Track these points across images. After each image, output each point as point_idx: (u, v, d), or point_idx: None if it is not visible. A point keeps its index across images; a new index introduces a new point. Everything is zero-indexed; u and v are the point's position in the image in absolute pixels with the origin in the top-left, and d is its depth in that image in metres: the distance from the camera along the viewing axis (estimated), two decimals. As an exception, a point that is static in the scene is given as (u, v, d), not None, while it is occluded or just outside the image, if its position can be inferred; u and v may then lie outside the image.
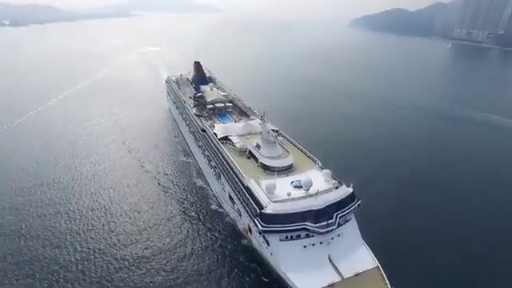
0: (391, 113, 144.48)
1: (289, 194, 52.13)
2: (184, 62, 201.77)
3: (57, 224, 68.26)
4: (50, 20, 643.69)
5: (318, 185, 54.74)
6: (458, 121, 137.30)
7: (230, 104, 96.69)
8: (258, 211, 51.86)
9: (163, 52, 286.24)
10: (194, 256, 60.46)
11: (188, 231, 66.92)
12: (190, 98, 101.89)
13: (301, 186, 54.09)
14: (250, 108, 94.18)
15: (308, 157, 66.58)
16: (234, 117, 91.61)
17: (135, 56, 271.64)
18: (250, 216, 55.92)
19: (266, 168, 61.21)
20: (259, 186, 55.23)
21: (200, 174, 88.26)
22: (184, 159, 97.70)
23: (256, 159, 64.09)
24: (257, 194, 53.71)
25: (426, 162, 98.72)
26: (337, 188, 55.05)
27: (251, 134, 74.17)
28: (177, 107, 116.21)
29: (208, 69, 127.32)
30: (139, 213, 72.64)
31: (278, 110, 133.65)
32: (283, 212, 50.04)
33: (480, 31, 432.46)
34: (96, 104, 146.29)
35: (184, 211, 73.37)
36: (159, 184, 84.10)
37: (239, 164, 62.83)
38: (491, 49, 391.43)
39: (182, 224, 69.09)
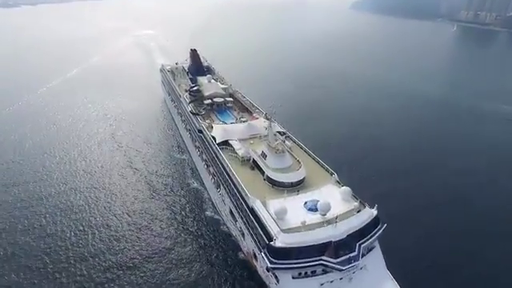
0: (402, 106, 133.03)
1: (303, 223, 43.18)
2: (180, 46, 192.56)
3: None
4: (42, 1, 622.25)
5: (337, 207, 45.84)
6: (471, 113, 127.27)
7: (231, 99, 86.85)
8: (266, 242, 43.05)
9: (159, 35, 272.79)
10: (183, 269, 53.34)
11: (178, 241, 59.54)
12: (186, 91, 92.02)
13: (316, 209, 45.20)
14: (252, 103, 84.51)
15: (321, 166, 57.51)
16: (235, 113, 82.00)
17: (129, 40, 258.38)
18: (255, 243, 47.29)
19: (273, 183, 52.10)
20: (266, 209, 46.32)
21: (195, 173, 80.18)
22: (178, 156, 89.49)
23: (261, 171, 54.94)
24: (264, 220, 44.79)
25: (456, 171, 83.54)
26: (359, 211, 46.15)
27: (255, 137, 64.85)
28: (172, 100, 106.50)
29: (205, 57, 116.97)
30: (122, 220, 64.94)
31: (280, 101, 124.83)
32: (296, 245, 41.25)
33: (488, 13, 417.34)
34: (86, 94, 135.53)
35: (175, 218, 65.51)
36: (149, 185, 75.80)
37: (242, 177, 53.76)
38: (499, 32, 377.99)
39: (172, 233, 61.62)
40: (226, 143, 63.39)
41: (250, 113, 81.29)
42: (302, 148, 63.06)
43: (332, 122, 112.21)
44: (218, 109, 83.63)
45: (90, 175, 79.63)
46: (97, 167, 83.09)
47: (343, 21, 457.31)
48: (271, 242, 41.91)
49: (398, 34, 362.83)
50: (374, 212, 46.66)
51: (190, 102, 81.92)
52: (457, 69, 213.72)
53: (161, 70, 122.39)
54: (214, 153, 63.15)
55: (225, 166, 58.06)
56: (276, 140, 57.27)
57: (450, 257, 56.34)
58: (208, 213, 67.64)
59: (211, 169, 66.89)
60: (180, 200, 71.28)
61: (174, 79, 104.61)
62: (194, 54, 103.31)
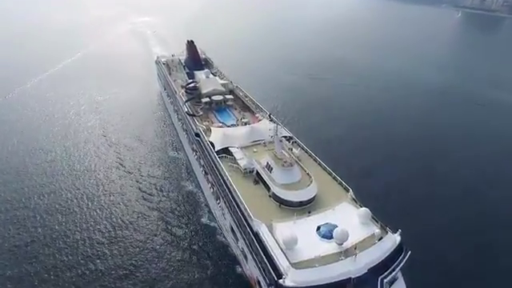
0: (415, 101, 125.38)
1: (317, 255, 36.94)
2: (178, 35, 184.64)
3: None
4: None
5: (355, 232, 39.64)
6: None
7: (231, 96, 79.89)
8: (275, 278, 36.87)
9: (156, 23, 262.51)
10: (174, 281, 49.24)
11: (169, 250, 54.97)
12: (182, 87, 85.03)
13: (331, 236, 38.96)
14: (254, 101, 77.60)
15: (334, 179, 51.12)
16: (236, 113, 75.26)
17: (124, 28, 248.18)
18: (260, 273, 41.31)
19: (280, 202, 45.75)
20: (273, 235, 40.10)
21: (190, 174, 74.71)
22: (173, 154, 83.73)
23: (266, 185, 48.52)
24: (271, 250, 38.56)
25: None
26: (380, 238, 39.93)
27: (258, 143, 58.28)
28: (168, 95, 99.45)
29: (203, 49, 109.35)
30: (108, 225, 60.33)
31: (284, 95, 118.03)
32: (310, 284, 35.11)
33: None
34: (79, 86, 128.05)
35: (167, 224, 60.54)
36: (139, 187, 70.44)
37: (244, 193, 47.40)
38: (506, 18, 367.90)
39: (163, 241, 56.95)
40: (225, 151, 56.86)
41: (252, 112, 74.70)
42: (311, 156, 56.52)
43: (340, 120, 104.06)
44: (217, 108, 76.88)
45: (74, 176, 73.71)
46: (83, 167, 77.26)
47: (344, 7, 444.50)
48: (280, 280, 35.75)
49: (401, 21, 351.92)
50: (398, 238, 40.54)
51: (186, 101, 74.94)
52: (465, 57, 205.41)
53: (156, 63, 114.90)
54: (213, 161, 56.68)
55: (225, 178, 51.65)
56: (283, 148, 50.74)
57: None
58: (204, 220, 62.47)
59: (210, 177, 60.61)
60: (173, 204, 65.98)
61: (170, 73, 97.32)
62: (190, 46, 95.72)
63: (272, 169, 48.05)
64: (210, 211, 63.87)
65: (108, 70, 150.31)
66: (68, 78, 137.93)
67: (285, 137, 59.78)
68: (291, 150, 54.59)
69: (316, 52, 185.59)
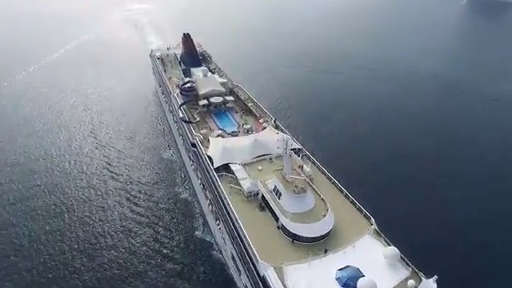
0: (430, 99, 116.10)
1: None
2: (177, 24, 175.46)
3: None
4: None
5: (382, 279, 32.84)
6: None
7: (231, 97, 72.27)
8: None
9: (154, 10, 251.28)
10: None
11: (158, 267, 50.82)
12: (178, 86, 77.42)
13: (354, 286, 32.16)
14: (256, 103, 70.04)
15: (352, 203, 44.09)
16: (237, 117, 67.85)
17: (120, 16, 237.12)
18: None
19: (291, 237, 38.83)
20: (283, 282, 33.32)
21: (185, 179, 69.75)
22: (167, 156, 78.44)
23: (274, 214, 41.50)
24: None
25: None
26: (415, 288, 33.13)
27: (263, 159, 51.11)
28: (162, 92, 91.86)
29: (200, 43, 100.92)
30: (92, 236, 56.13)
31: (289, 94, 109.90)
32: None
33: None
34: (70, 79, 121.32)
35: (158, 237, 56.14)
36: (129, 195, 65.42)
37: (248, 222, 40.57)
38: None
39: (152, 255, 52.85)
40: (226, 167, 49.68)
41: (255, 116, 67.37)
42: (323, 173, 49.40)
43: (352, 123, 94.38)
44: (216, 111, 69.39)
45: (54, 181, 68.65)
46: (65, 170, 72.34)
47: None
48: None
49: (403, 7, 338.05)
50: (434, 287, 33.72)
51: (181, 105, 67.21)
52: (470, 44, 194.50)
53: (150, 56, 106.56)
54: (211, 179, 49.64)
55: (225, 202, 44.70)
56: (293, 169, 43.53)
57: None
58: (198, 233, 57.56)
59: (208, 193, 53.74)
60: (164, 213, 61.26)
61: (165, 70, 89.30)
62: (187, 40, 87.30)
63: (281, 194, 41.00)
64: (205, 223, 58.42)
65: (102, 59, 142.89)
66: (61, 69, 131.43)
67: (293, 149, 52.40)
68: (301, 167, 47.20)
69: (318, 43, 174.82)
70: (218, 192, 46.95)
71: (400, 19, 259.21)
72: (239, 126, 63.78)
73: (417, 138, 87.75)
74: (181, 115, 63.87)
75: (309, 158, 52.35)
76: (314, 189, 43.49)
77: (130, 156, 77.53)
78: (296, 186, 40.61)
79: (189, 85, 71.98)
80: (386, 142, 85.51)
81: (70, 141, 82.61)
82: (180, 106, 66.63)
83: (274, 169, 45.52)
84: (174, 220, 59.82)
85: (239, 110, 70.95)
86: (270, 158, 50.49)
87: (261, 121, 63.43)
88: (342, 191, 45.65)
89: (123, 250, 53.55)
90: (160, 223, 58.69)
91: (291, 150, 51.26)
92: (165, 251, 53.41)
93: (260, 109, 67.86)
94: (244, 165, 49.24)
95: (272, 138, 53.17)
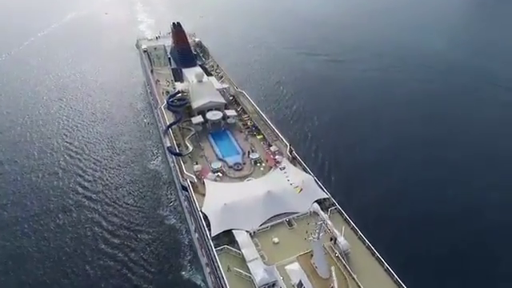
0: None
1: None
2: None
3: None
4: None
5: None
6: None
7: (233, 112, 57.43)
8: None
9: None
10: None
11: None
12: (166, 93, 62.78)
13: None
14: (265, 120, 55.18)
15: None
16: (241, 139, 53.59)
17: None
18: None
19: None
20: None
21: (174, 202, 56.94)
22: (153, 166, 65.22)
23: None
24: None
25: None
26: None
27: (280, 221, 37.06)
28: (150, 92, 77.03)
29: (196, 33, 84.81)
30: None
31: (302, 97, 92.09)
32: None
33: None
34: (47, 66, 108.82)
35: (132, 277, 44.69)
36: (103, 219, 53.60)
37: None
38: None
39: None
40: (227, 234, 35.74)
41: (263, 137, 52.98)
42: (361, 239, 35.52)
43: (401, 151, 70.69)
44: (215, 130, 54.79)
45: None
46: (30, 183, 60.61)
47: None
48: None
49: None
50: None
51: (168, 127, 51.99)
52: (479, 29, 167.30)
53: (137, 47, 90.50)
54: (208, 250, 35.85)
55: None
56: (325, 252, 29.69)
57: None
58: (185, 273, 45.91)
59: (206, 259, 40.19)
60: (144, 244, 49.67)
61: (152, 70, 73.40)
62: (178, 32, 71.06)
63: (311, 300, 27.33)
64: (195, 259, 46.71)
65: (88, 46, 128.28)
66: (40, 56, 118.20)
67: (319, 202, 38.44)
68: (335, 241, 33.27)
69: (326, 30, 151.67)
70: (218, 275, 33.25)
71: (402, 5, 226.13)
72: (244, 154, 49.41)
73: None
74: (168, 144, 48.96)
75: (340, 214, 38.34)
76: (353, 280, 29.79)
77: (108, 167, 64.64)
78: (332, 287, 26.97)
79: (179, 96, 56.91)
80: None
81: (39, 149, 69.25)
82: (167, 129, 51.56)
83: (295, 240, 32.48)
84: (156, 254, 48.08)
85: (243, 127, 56.34)
86: (289, 222, 36.49)
87: (272, 149, 48.92)
88: (391, 275, 31.88)
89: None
90: (139, 253, 47.65)
91: (316, 201, 37.77)
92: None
93: (270, 128, 53.14)
94: (253, 234, 35.25)
95: (289, 186, 38.99)
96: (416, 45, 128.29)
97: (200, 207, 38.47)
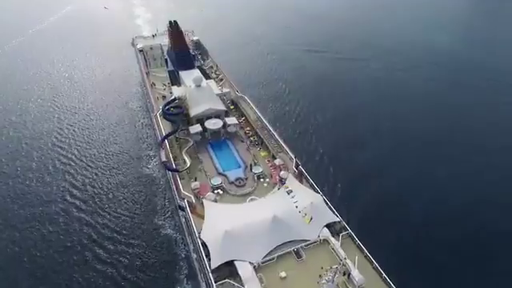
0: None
1: None
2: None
3: None
4: None
5: None
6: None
7: (234, 121, 53.58)
8: None
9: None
10: None
11: None
12: (162, 97, 59.13)
13: None
14: (269, 129, 51.26)
15: None
16: (242, 150, 50.03)
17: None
18: None
19: None
20: None
21: (170, 210, 52.78)
22: (149, 171, 61.10)
23: None
24: None
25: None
26: None
27: (288, 251, 33.42)
28: (146, 94, 73.12)
29: (193, 33, 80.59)
30: None
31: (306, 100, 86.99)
32: None
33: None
34: (41, 63, 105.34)
35: None
36: (93, 231, 49.70)
37: None
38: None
39: None
40: (229, 264, 32.26)
41: (266, 148, 49.33)
42: (377, 270, 32.05)
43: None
44: (215, 141, 51.13)
45: None
46: (18, 193, 56.65)
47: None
48: None
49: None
50: None
51: (164, 138, 48.25)
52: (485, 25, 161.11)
53: (133, 45, 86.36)
54: (209, 284, 32.37)
55: None
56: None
57: None
58: None
59: (204, 284, 36.77)
60: (134, 256, 45.95)
61: (148, 71, 69.32)
62: (175, 31, 66.86)
63: None
64: (191, 272, 42.95)
65: (86, 41, 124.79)
66: (35, 51, 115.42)
67: (329, 226, 35.02)
68: (348, 275, 29.84)
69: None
70: None
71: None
72: (246, 167, 45.81)
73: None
74: (163, 158, 45.16)
75: (353, 240, 34.82)
76: None
77: (101, 172, 60.99)
78: None
79: (175, 103, 53.14)
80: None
81: (27, 152, 65.85)
82: (162, 141, 47.76)
83: (304, 275, 29.89)
84: (150, 266, 44.66)
85: (244, 136, 52.67)
86: (297, 252, 32.93)
87: (277, 162, 45.27)
88: None
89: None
90: (131, 269, 43.97)
91: (325, 227, 34.43)
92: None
93: (274, 138, 49.42)
94: (258, 266, 31.74)
95: (297, 210, 35.45)
96: (428, 43, 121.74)
97: (198, 232, 34.99)
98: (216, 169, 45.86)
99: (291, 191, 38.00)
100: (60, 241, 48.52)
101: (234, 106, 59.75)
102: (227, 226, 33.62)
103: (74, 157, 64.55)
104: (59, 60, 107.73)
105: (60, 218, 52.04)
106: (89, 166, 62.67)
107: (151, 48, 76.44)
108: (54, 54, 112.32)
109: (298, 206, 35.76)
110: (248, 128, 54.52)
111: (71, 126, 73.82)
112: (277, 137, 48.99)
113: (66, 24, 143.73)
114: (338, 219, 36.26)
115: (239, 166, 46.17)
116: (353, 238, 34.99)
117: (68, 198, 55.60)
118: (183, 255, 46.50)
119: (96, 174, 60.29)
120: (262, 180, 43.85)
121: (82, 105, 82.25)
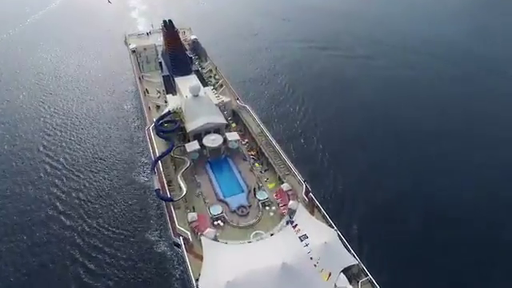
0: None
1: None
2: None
3: None
4: None
5: None
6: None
7: (235, 136, 48.61)
8: None
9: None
10: None
11: None
12: (157, 107, 54.07)
13: None
14: (275, 147, 46.22)
15: None
16: (245, 170, 45.04)
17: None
18: None
19: None
20: None
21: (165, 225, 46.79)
22: (143, 180, 55.53)
23: None
24: None
25: None
26: None
27: None
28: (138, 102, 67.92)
29: (190, 31, 74.81)
30: None
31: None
32: None
33: None
34: (33, 59, 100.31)
35: None
36: (84, 243, 45.47)
37: None
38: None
39: None
40: None
41: (272, 168, 44.56)
42: None
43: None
44: (214, 159, 46.29)
45: None
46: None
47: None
48: None
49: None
50: None
51: (157, 160, 43.21)
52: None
53: (126, 43, 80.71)
54: None
55: None
56: None
57: None
58: None
59: None
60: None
61: (141, 76, 63.91)
62: (169, 31, 61.25)
63: None
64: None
65: (76, 36, 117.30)
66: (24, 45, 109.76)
67: (346, 272, 30.51)
68: None
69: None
70: None
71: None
72: (249, 191, 41.07)
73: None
74: (156, 186, 40.14)
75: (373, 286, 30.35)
76: None
77: (93, 183, 55.64)
78: None
79: (170, 118, 48.12)
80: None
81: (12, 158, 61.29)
82: (155, 163, 42.75)
83: None
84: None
85: (247, 154, 47.78)
86: None
87: (284, 188, 40.43)
88: None
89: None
90: None
91: (342, 272, 29.96)
92: None
93: (281, 158, 44.45)
94: None
95: (308, 258, 30.78)
96: (439, 38, 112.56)
97: (196, 279, 30.46)
98: (216, 194, 41.14)
99: (299, 229, 33.21)
100: (46, 250, 44.70)
101: (234, 117, 54.66)
102: (229, 275, 29.06)
103: (63, 161, 59.84)
104: (52, 56, 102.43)
105: (43, 227, 47.82)
106: (78, 171, 57.68)
107: (145, 49, 70.62)
108: (45, 48, 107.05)
109: (311, 249, 31.05)
110: (249, 142, 49.55)
111: (63, 135, 67.93)
112: (284, 156, 44.06)
113: (61, 17, 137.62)
114: (356, 262, 31.71)
115: (242, 191, 41.49)
116: (373, 285, 30.54)
117: (55, 203, 51.33)
118: (177, 276, 41.59)
119: (84, 184, 55.28)
120: (267, 208, 39.25)
121: (74, 104, 77.18)
